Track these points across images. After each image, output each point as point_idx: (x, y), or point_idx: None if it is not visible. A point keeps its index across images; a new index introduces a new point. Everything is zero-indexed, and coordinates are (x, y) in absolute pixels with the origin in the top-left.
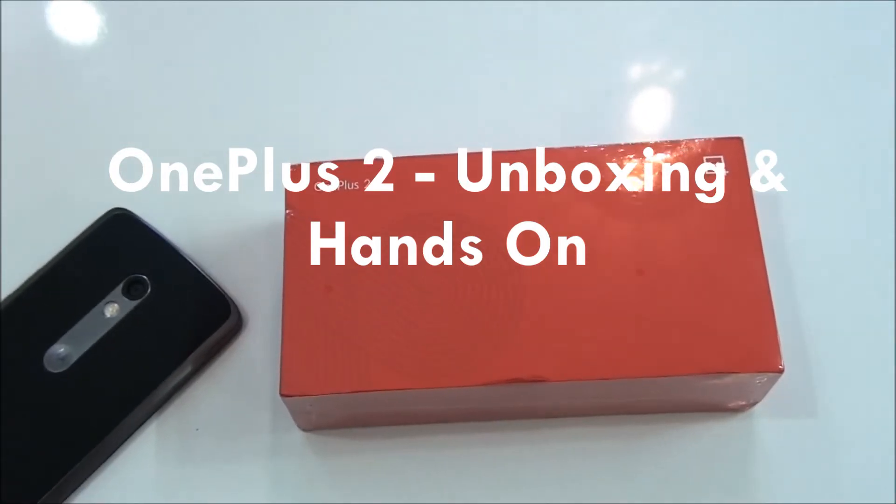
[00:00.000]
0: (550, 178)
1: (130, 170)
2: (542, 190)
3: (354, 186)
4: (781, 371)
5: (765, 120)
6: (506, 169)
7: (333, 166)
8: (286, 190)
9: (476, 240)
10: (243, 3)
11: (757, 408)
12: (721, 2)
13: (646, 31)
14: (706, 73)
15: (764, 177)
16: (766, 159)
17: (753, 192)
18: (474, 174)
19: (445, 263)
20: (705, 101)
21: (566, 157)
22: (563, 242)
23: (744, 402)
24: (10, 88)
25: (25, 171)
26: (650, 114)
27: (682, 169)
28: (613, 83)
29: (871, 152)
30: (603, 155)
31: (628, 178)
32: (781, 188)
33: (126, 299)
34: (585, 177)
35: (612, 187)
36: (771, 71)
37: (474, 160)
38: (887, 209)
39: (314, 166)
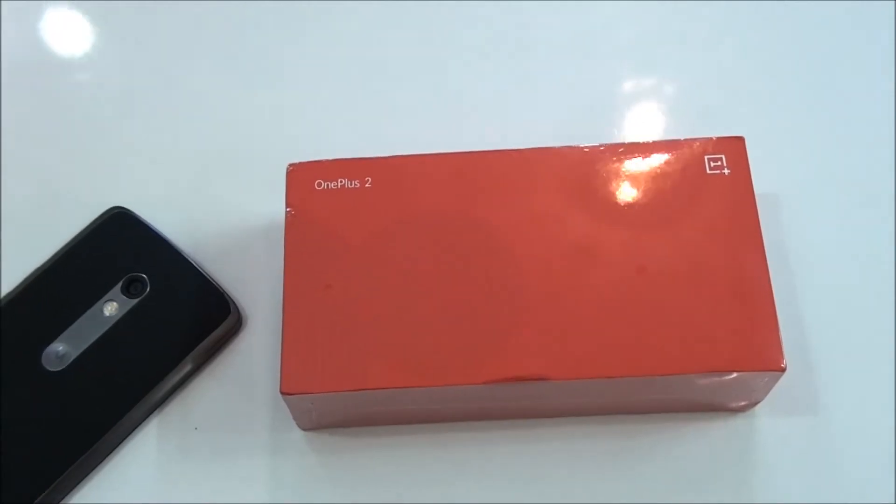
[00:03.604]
0: (551, 176)
1: (130, 168)
2: (543, 189)
3: (355, 185)
4: (783, 370)
5: (766, 119)
6: (506, 168)
7: (334, 165)
8: (287, 188)
9: (476, 237)
10: (243, 1)
11: (759, 407)
12: (722, 1)
13: (647, 31)
14: (708, 72)
15: (765, 176)
16: (768, 158)
17: (755, 191)
18: (475, 172)
19: (446, 261)
20: (706, 101)
21: (567, 156)
22: (564, 241)
23: (745, 402)
24: (9, 86)
25: (24, 169)
26: (651, 113)
27: (684, 168)
28: (614, 83)
29: (872, 152)
30: (604, 154)
31: (629, 177)
32: (783, 187)
33: (125, 298)
34: (586, 176)
35: (614, 186)
36: (772, 70)
37: (475, 158)
38: (888, 208)
39: (315, 164)
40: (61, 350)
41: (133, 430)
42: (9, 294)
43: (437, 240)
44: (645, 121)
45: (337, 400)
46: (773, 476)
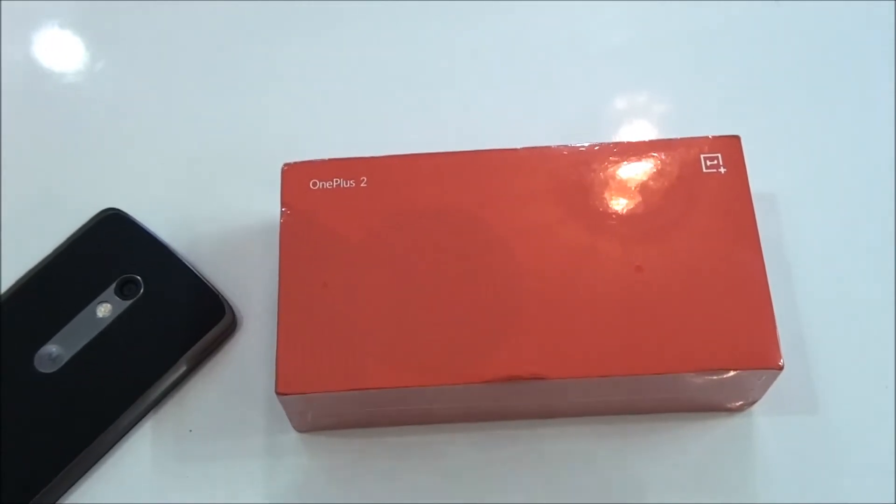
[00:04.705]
0: (546, 176)
1: (124, 169)
2: (539, 188)
3: (350, 184)
4: (781, 368)
5: (762, 118)
6: (502, 167)
7: (329, 164)
8: (282, 188)
9: (473, 236)
10: (239, 2)
11: (756, 406)
12: (719, 1)
13: (643, 30)
14: (704, 71)
15: (761, 175)
16: (764, 158)
17: (751, 190)
18: (470, 171)
19: (442, 260)
20: (703, 100)
21: (563, 155)
22: (561, 240)
23: (742, 402)
24: (4, 88)
25: (19, 171)
26: (648, 113)
27: (680, 167)
28: (610, 83)
29: (869, 151)
30: (600, 154)
31: (626, 177)
32: (779, 186)
33: (119, 299)
34: (582, 175)
35: (610, 186)
36: (769, 69)
37: (470, 158)
38: (885, 207)
39: (310, 164)
40: (54, 352)
41: (127, 432)
42: (1, 296)
43: (433, 239)
44: (641, 120)
45: (333, 400)
46: (770, 475)
